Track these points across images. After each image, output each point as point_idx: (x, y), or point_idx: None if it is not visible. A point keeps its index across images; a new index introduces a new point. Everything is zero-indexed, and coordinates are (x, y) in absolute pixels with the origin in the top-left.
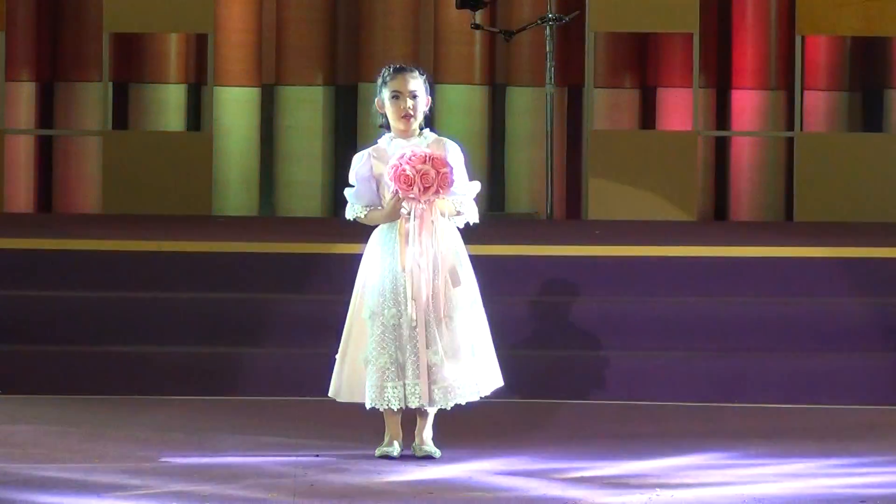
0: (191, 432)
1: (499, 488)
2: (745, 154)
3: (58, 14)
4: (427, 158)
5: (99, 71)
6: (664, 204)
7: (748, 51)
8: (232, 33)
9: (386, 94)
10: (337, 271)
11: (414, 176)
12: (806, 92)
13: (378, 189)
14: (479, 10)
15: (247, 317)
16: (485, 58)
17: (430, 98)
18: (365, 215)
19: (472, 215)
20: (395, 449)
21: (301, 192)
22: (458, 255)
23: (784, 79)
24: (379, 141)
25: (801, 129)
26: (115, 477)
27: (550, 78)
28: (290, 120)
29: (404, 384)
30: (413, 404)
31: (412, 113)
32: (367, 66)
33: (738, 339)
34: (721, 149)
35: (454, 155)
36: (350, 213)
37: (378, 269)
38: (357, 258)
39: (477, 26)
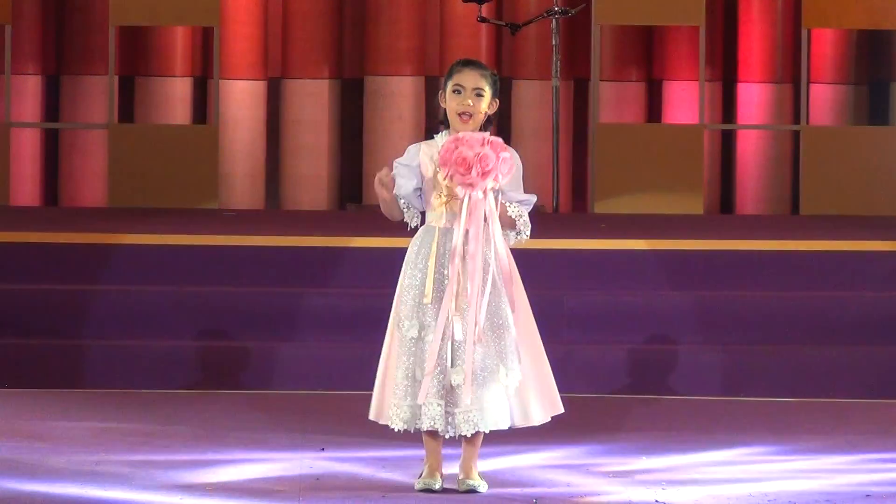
0: (196, 426)
1: (503, 482)
2: (751, 147)
3: (64, 7)
4: (485, 141)
5: (105, 64)
6: (670, 197)
7: (754, 44)
8: (238, 26)
9: (449, 86)
10: (347, 265)
11: (472, 158)
12: (812, 85)
13: (422, 190)
14: (485, 3)
15: (254, 311)
16: (491, 51)
17: (497, 101)
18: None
19: (526, 230)
20: (437, 482)
21: (307, 185)
22: (514, 275)
23: (790, 72)
24: (436, 136)
25: (807, 123)
26: (122, 470)
27: (556, 71)
28: (296, 113)
29: (418, 404)
30: (425, 426)
31: (471, 111)
32: (374, 60)
33: (744, 333)
34: (727, 142)
35: (516, 163)
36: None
37: (408, 277)
38: (364, 253)
39: (483, 19)
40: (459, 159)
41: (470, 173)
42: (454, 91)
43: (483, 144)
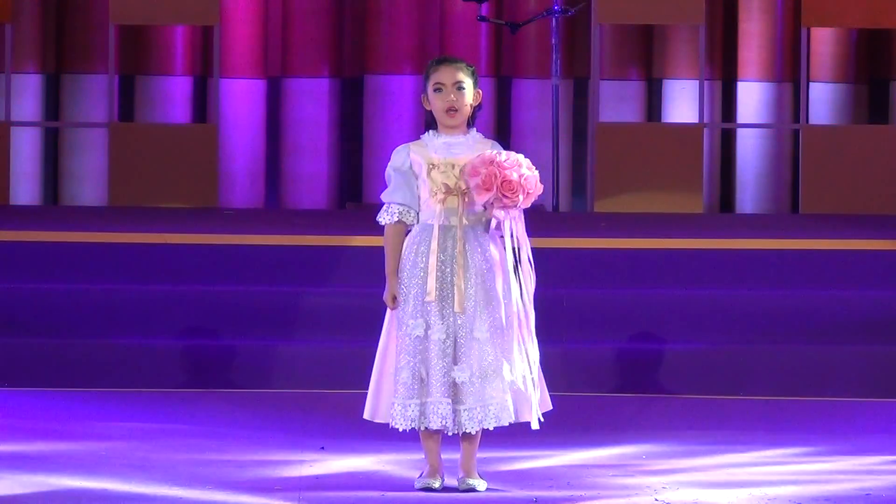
0: (196, 425)
1: (503, 481)
2: (750, 146)
3: (64, 6)
4: (519, 162)
5: (105, 63)
6: (670, 196)
7: (754, 43)
8: (238, 25)
9: (430, 86)
10: (347, 264)
11: (517, 183)
12: (812, 84)
13: (417, 186)
14: (485, 2)
15: (253, 310)
16: (491, 50)
17: (479, 91)
18: (389, 221)
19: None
20: (438, 481)
21: (307, 184)
22: (505, 266)
23: (790, 71)
24: (422, 137)
25: (807, 121)
26: (122, 470)
27: (556, 70)
28: (295, 112)
29: (425, 402)
30: (434, 425)
31: (457, 106)
32: (373, 59)
33: (744, 332)
34: (727, 141)
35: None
36: (384, 216)
37: (409, 276)
38: (364, 252)
39: (483, 18)
40: (507, 184)
41: (516, 196)
42: (435, 90)
43: (521, 165)
